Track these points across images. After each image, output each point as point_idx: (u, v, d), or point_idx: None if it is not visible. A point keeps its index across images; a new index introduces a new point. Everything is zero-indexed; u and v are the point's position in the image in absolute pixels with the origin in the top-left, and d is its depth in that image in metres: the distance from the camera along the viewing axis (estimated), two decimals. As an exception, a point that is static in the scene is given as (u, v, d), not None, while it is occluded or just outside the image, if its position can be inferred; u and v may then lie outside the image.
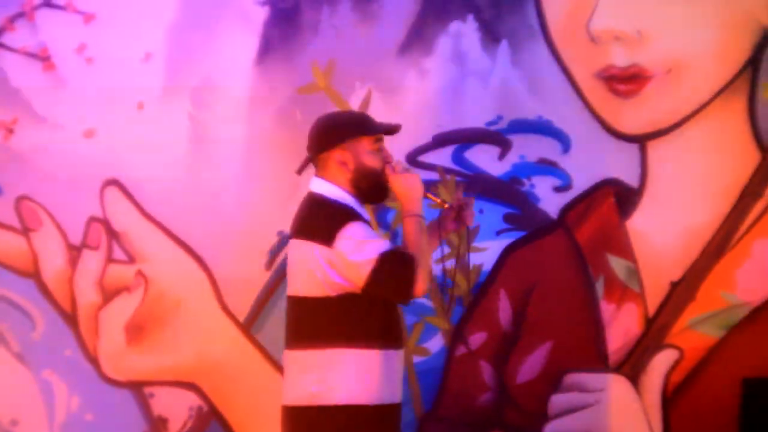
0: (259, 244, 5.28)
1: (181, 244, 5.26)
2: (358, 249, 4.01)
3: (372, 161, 4.15)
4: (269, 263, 5.28)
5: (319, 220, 4.09)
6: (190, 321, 5.26)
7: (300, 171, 4.28)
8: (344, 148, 4.13)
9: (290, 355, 4.09)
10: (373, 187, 4.15)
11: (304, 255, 4.07)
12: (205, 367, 5.26)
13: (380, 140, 4.19)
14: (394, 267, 3.99)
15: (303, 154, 5.22)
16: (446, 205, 4.26)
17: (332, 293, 4.04)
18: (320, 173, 4.18)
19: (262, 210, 5.27)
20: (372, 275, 3.98)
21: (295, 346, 4.08)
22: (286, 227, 5.17)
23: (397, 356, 4.13)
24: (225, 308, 5.27)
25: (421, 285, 3.99)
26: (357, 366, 4.04)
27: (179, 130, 5.27)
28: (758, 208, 5.38)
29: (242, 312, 5.28)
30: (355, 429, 4.03)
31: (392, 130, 4.23)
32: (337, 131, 4.16)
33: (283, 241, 5.25)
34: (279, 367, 5.24)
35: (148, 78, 5.25)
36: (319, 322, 4.06)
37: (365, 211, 4.17)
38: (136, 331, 5.24)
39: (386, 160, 4.18)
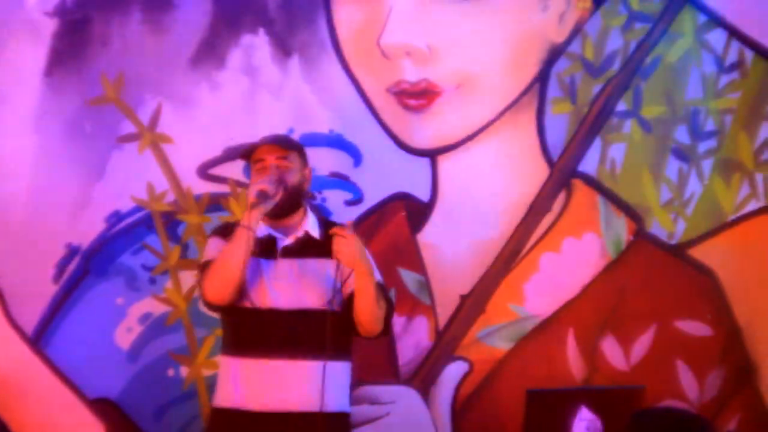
0: (48, 257, 5.22)
1: (-35, 256, 5.19)
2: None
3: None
4: (57, 276, 5.23)
5: None
6: (-25, 334, 5.18)
7: None
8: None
9: None
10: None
11: None
12: (-9, 382, 5.19)
13: (256, 161, 4.40)
14: (199, 276, 4.40)
15: (92, 165, 5.25)
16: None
17: None
18: None
19: (51, 222, 5.21)
20: None
21: None
22: (75, 240, 5.23)
23: (250, 365, 4.31)
24: (11, 321, 5.19)
25: (204, 291, 4.31)
26: (220, 372, 4.42)
27: (-34, 142, 5.20)
28: (546, 222, 5.48)
29: (30, 325, 5.21)
30: (216, 429, 4.39)
31: (253, 147, 4.47)
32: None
33: (71, 254, 5.21)
34: (67, 382, 5.20)
35: (-67, 89, 5.17)
36: None
37: (270, 231, 4.37)
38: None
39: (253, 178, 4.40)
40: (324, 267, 4.36)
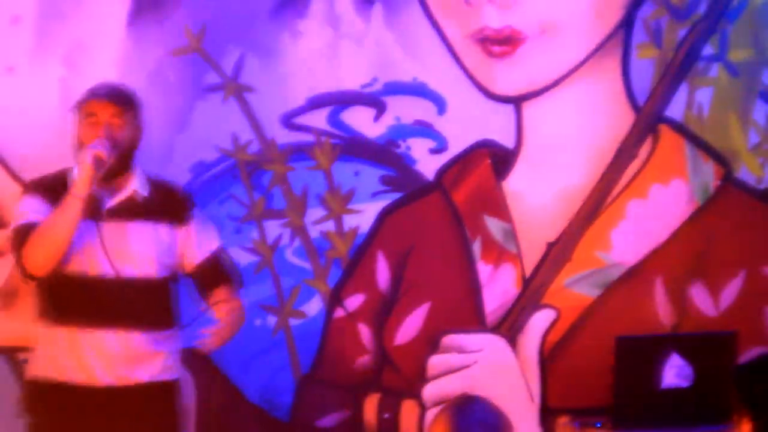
0: (134, 209, 5.21)
1: (53, 208, 5.18)
2: None
3: None
4: (144, 227, 5.22)
5: None
6: (64, 286, 5.18)
7: None
8: None
9: None
10: None
11: None
12: (80, 333, 5.19)
13: (88, 115, 4.25)
14: (13, 240, 4.27)
15: (176, 116, 5.24)
16: None
17: None
18: None
19: (136, 174, 5.20)
20: None
21: None
22: (162, 191, 5.20)
23: (76, 335, 4.23)
24: (98, 274, 5.19)
25: (25, 262, 4.15)
26: (41, 341, 4.35)
27: (50, 94, 5.18)
28: (632, 168, 5.43)
29: (117, 277, 5.21)
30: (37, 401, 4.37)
31: (85, 97, 4.33)
32: None
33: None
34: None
35: (17, 41, 5.15)
36: None
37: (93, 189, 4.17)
38: (9, 295, 5.17)
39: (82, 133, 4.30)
40: (153, 230, 4.24)
